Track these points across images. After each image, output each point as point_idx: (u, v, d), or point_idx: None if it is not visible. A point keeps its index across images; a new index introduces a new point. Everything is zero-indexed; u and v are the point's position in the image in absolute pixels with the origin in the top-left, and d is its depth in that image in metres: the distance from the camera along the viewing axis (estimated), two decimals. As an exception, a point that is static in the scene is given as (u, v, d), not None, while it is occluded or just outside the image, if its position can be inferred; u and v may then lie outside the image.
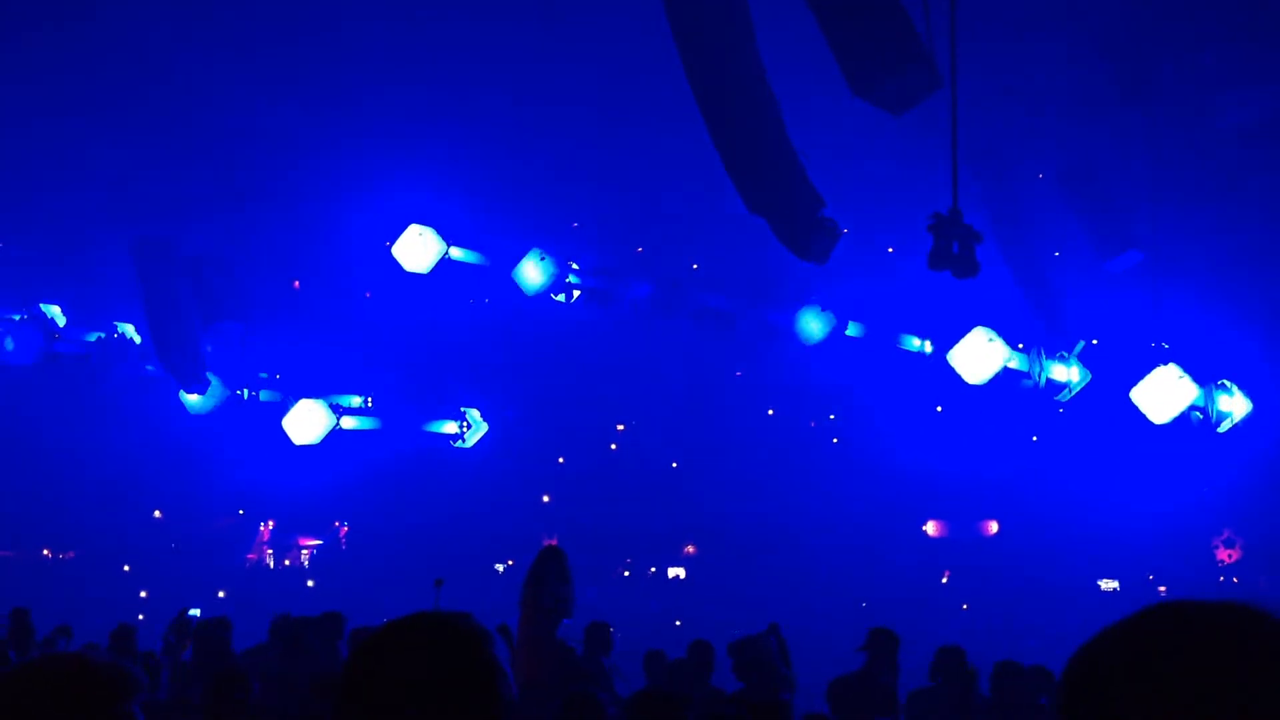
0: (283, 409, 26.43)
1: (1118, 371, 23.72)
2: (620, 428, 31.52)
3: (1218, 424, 21.57)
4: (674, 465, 30.47)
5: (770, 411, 29.81)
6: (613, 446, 31.39)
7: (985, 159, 17.90)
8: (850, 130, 17.66)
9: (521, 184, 21.83)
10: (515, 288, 22.66)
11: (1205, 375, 21.76)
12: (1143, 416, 21.68)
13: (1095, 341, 23.20)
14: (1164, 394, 20.34)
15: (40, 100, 19.36)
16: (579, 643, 11.32)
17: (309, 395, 27.05)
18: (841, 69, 10.74)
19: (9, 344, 25.55)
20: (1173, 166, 18.49)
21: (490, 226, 23.13)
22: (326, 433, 26.06)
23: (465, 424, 28.41)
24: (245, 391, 25.94)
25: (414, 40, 18.17)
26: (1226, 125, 18.90)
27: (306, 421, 26.12)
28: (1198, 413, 21.06)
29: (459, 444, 28.25)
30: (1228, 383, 21.57)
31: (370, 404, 28.45)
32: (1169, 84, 17.13)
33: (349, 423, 27.53)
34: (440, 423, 28.63)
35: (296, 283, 28.05)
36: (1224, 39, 17.39)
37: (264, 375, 26.06)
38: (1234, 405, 21.68)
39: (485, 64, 18.65)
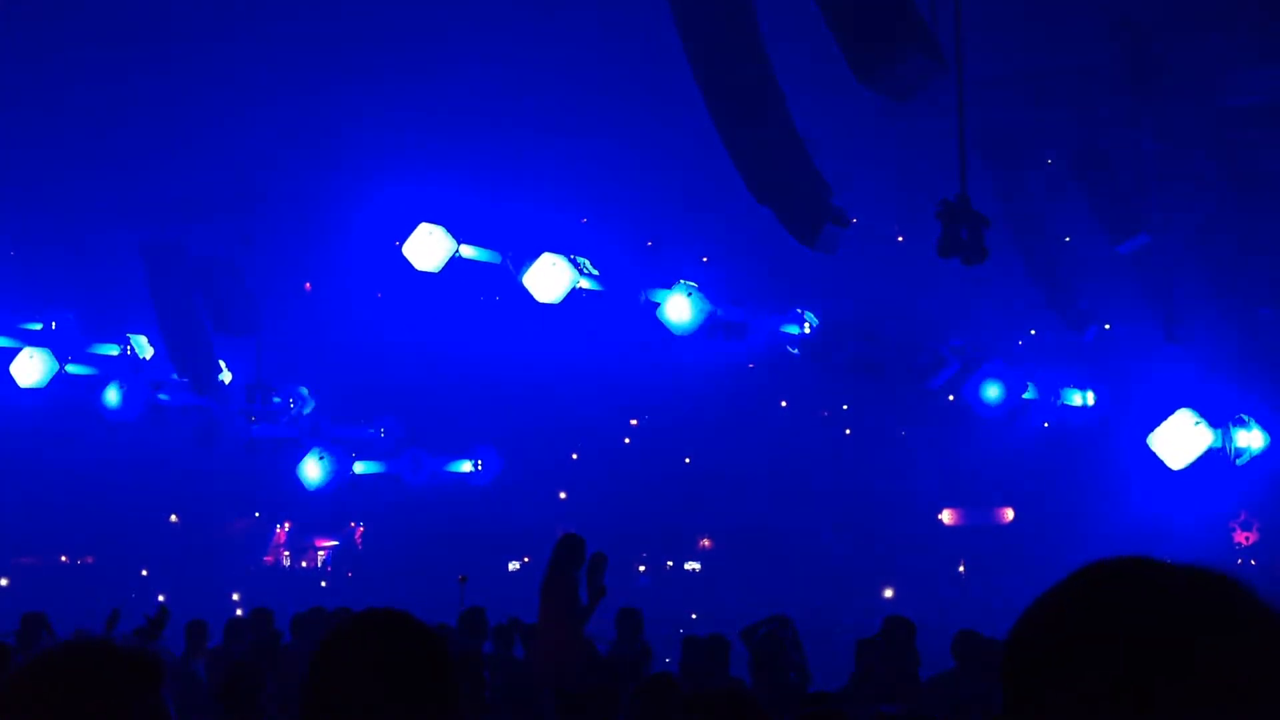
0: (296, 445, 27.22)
1: (1129, 361, 23.71)
2: (634, 422, 31.52)
3: (1236, 458, 21.74)
4: (687, 460, 30.46)
5: (784, 404, 29.78)
6: (626, 441, 31.39)
7: (993, 145, 17.85)
8: (857, 119, 17.64)
9: (529, 179, 21.83)
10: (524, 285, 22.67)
11: (1215, 363, 21.72)
12: (1153, 408, 21.82)
13: (1108, 326, 23.14)
14: (1180, 440, 20.60)
15: (44, 101, 19.38)
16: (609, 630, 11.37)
17: (320, 423, 27.63)
18: (845, 56, 10.70)
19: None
20: (1182, 149, 18.41)
21: (500, 223, 23.12)
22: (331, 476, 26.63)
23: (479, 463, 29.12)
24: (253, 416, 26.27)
25: (418, 37, 18.15)
26: (1235, 106, 18.81)
27: (318, 467, 26.95)
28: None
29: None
30: (1245, 417, 21.75)
31: (383, 434, 28.81)
32: (1177, 65, 17.03)
33: (361, 467, 28.25)
34: (458, 463, 29.20)
35: (308, 285, 28.07)
36: (1232, 20, 17.29)
37: (277, 399, 26.20)
38: (1251, 439, 21.86)
39: (489, 59, 18.62)
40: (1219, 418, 21.46)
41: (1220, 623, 1.42)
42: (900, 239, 23.19)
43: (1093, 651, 1.41)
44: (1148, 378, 22.72)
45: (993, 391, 23.63)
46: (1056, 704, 1.41)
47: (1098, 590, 1.47)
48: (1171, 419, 20.85)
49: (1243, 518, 25.71)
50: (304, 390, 28.06)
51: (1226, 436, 21.58)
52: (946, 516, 29.65)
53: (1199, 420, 20.77)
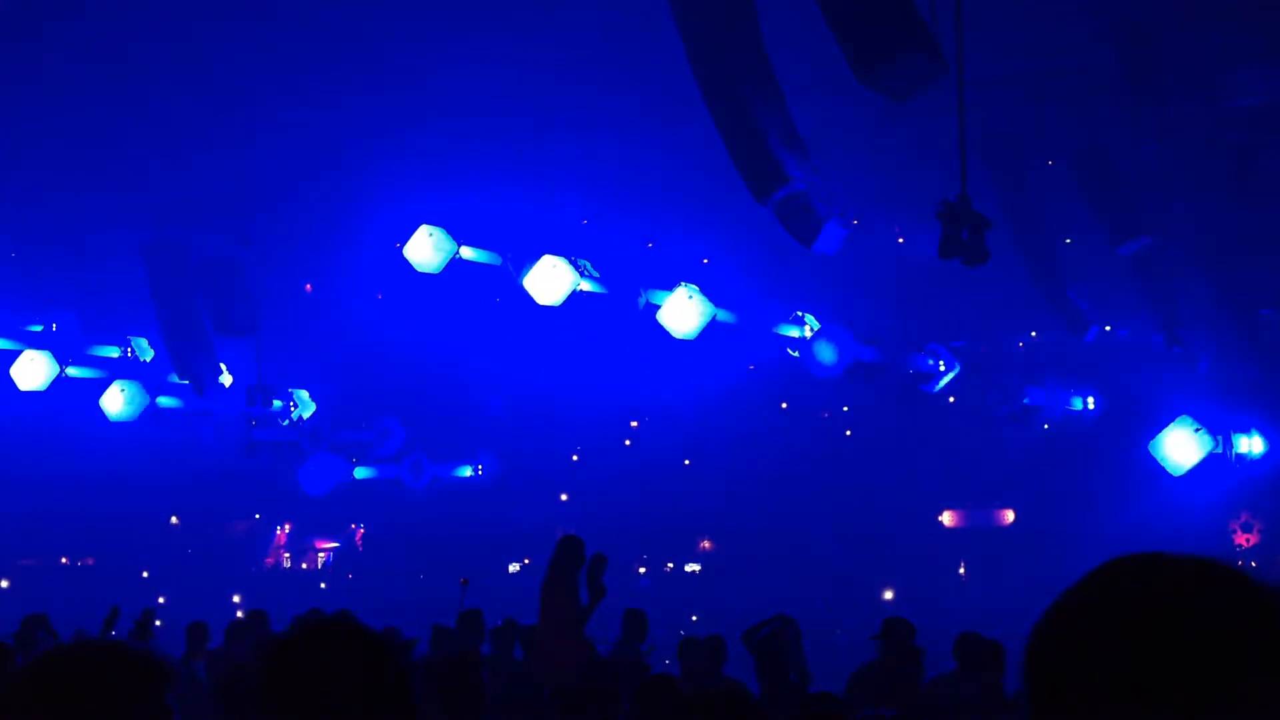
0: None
1: (1129, 362, 23.72)
2: (634, 424, 31.51)
3: (1237, 463, 21.87)
4: (686, 462, 30.45)
5: (784, 405, 29.77)
6: (627, 443, 31.39)
7: (993, 146, 17.83)
8: (857, 119, 17.62)
9: (529, 180, 21.81)
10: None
11: (1216, 365, 21.75)
12: (1153, 409, 21.89)
13: (1108, 328, 23.14)
14: (1181, 447, 20.71)
15: (46, 101, 19.37)
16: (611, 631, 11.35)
17: (321, 427, 27.63)
18: (845, 57, 10.68)
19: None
20: (1183, 150, 18.38)
21: (500, 224, 23.10)
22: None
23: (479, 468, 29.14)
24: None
25: (419, 38, 18.14)
26: (1236, 106, 18.79)
27: (322, 472, 26.98)
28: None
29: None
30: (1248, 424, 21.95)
31: (385, 438, 28.76)
32: (1178, 66, 17.02)
33: (362, 472, 28.22)
34: (460, 468, 29.18)
35: (309, 286, 28.07)
36: (1232, 20, 17.27)
37: (278, 403, 26.21)
38: (1252, 445, 22.01)
39: (489, 59, 18.60)
40: (1219, 423, 21.50)
41: (1232, 617, 1.43)
42: (900, 240, 23.18)
43: (1111, 650, 1.43)
44: (1148, 379, 22.73)
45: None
46: (1078, 703, 1.43)
47: (1115, 589, 1.49)
48: (1172, 426, 20.98)
49: (1244, 519, 25.71)
50: (305, 394, 28.04)
51: (1227, 443, 21.69)
52: (947, 518, 29.65)
53: (1199, 427, 20.90)
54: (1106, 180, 18.16)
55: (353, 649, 2.30)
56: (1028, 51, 17.51)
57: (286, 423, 27.39)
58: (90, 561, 32.14)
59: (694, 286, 21.68)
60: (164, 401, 26.30)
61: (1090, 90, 17.62)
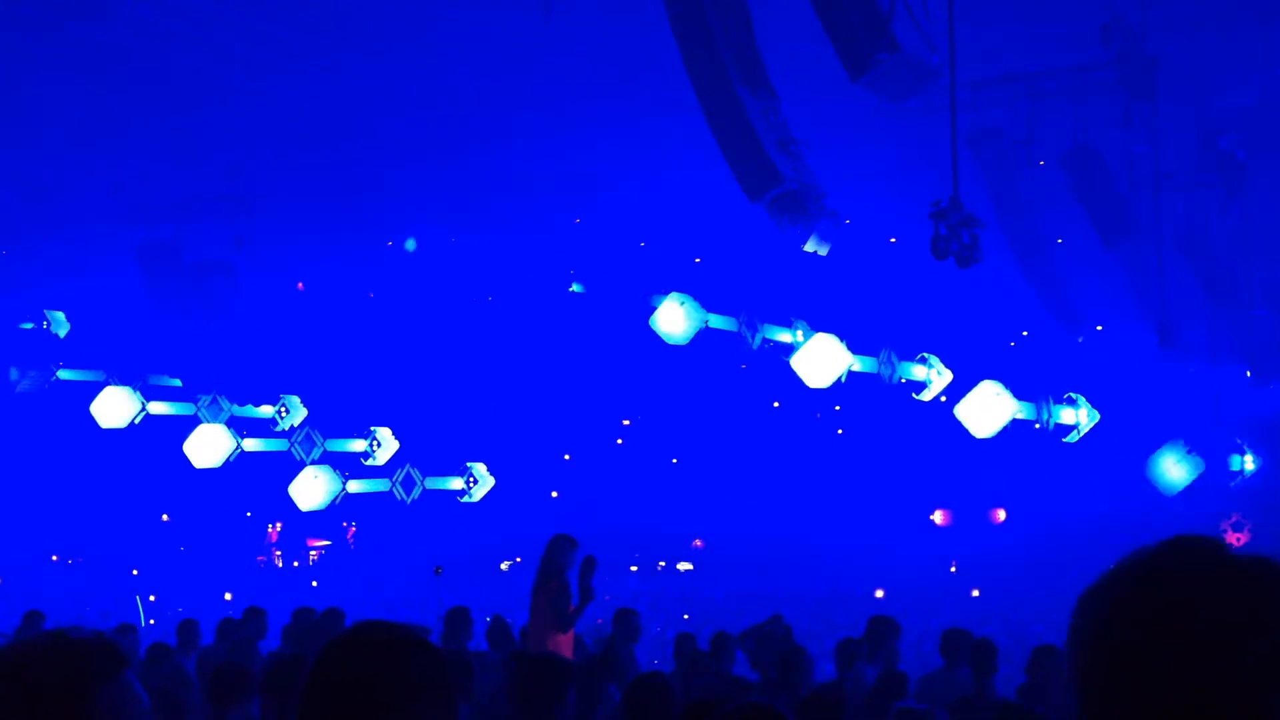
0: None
1: (1121, 362, 23.76)
2: (626, 423, 31.52)
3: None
4: (674, 461, 30.49)
5: (776, 404, 29.79)
6: (619, 441, 31.41)
7: (986, 145, 17.86)
8: (850, 119, 17.66)
9: (524, 178, 21.83)
10: (519, 284, 22.64)
11: (1208, 365, 21.79)
12: (1146, 404, 21.93)
13: (1100, 328, 23.17)
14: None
15: (42, 102, 19.36)
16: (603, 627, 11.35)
17: (311, 431, 27.53)
18: (839, 57, 10.72)
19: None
20: (1174, 150, 18.42)
21: (494, 225, 23.12)
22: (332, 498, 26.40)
23: (471, 479, 28.83)
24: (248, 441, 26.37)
25: (411, 38, 18.15)
26: (1227, 107, 18.84)
27: (313, 487, 26.79)
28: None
29: (465, 499, 28.68)
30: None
31: (377, 446, 28.51)
32: (1169, 66, 17.05)
33: (356, 486, 28.08)
34: (445, 479, 29.02)
35: (300, 284, 28.06)
36: (1224, 21, 17.32)
37: (270, 407, 26.22)
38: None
39: (484, 61, 18.61)
40: (1209, 438, 21.54)
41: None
42: (893, 240, 23.19)
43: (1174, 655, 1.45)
44: (1141, 379, 22.75)
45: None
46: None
47: (1171, 587, 1.51)
48: (1165, 449, 21.21)
49: (1235, 519, 25.75)
50: (296, 399, 27.98)
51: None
52: (938, 517, 29.69)
53: (1190, 449, 21.08)
54: (1098, 180, 18.18)
55: (406, 654, 2.30)
56: (1020, 52, 17.55)
57: (278, 429, 27.33)
58: (80, 560, 32.09)
59: (686, 295, 21.63)
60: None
61: (1082, 90, 17.65)
